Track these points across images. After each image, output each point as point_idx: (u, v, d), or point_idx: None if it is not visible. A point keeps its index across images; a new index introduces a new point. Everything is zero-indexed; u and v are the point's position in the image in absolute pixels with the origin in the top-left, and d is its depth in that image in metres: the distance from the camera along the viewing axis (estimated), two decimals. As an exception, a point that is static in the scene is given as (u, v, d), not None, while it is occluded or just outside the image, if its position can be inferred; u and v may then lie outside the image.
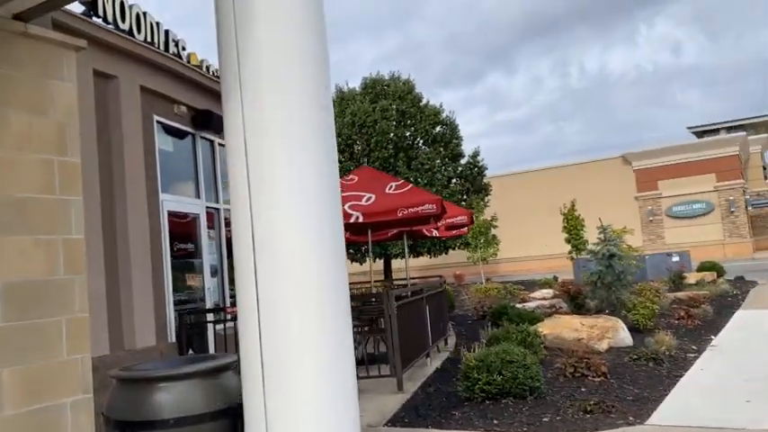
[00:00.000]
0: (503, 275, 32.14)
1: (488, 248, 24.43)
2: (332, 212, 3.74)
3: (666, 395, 5.99)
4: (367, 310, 8.72)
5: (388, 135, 27.56)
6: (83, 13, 6.75)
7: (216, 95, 8.93)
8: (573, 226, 22.64)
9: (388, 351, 7.05)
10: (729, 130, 43.66)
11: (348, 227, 7.87)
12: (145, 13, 7.90)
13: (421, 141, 29.04)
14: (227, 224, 9.21)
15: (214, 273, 8.61)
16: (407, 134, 28.60)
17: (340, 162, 23.52)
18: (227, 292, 8.94)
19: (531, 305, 13.70)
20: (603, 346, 8.31)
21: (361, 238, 11.28)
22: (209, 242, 8.53)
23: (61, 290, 5.32)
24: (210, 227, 8.66)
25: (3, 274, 4.90)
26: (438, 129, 29.25)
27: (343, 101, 28.64)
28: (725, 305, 13.21)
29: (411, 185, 9.45)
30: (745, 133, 38.89)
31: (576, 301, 12.20)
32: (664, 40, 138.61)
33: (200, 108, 8.45)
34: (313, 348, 3.51)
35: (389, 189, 8.84)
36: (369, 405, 6.12)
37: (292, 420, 3.41)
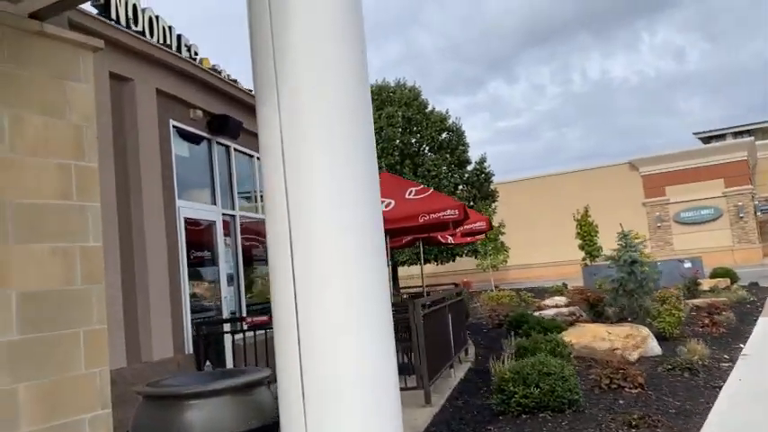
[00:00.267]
0: (511, 282, 31.84)
1: (498, 255, 24.15)
2: (374, 224, 3.49)
3: (710, 407, 5.73)
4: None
5: (395, 142, 27.37)
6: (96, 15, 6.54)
7: (232, 99, 8.73)
8: (587, 232, 22.33)
9: (414, 362, 6.80)
10: (736, 135, 43.45)
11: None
12: (157, 17, 7.69)
13: (427, 148, 28.84)
14: (243, 231, 8.98)
15: (230, 281, 8.36)
16: (413, 141, 28.40)
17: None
18: (244, 301, 8.69)
19: (547, 313, 13.41)
20: (634, 355, 8.05)
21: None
22: (225, 249, 8.28)
23: (79, 300, 5.08)
24: (227, 234, 8.41)
25: (18, 284, 4.66)
26: (444, 135, 29.06)
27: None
28: (745, 312, 12.99)
29: (432, 190, 9.20)
30: (753, 138, 38.66)
31: (595, 309, 11.93)
32: (665, 46, 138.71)
33: (215, 112, 8.22)
34: (357, 364, 3.27)
35: (409, 194, 8.60)
36: (397, 419, 5.85)
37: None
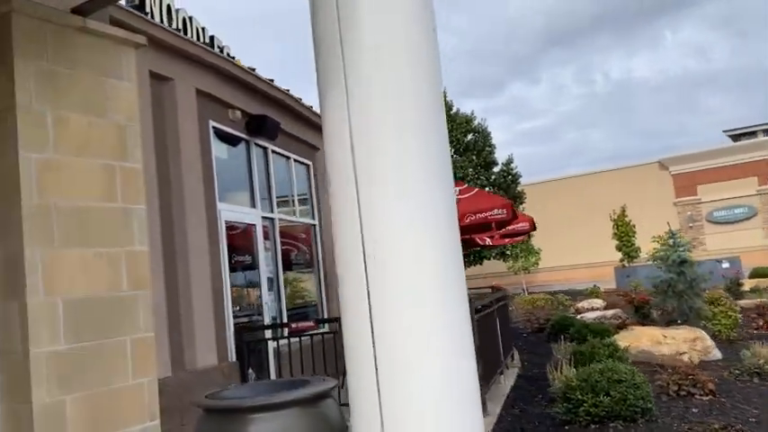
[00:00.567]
0: (540, 285, 31.30)
1: (530, 257, 23.70)
2: (450, 218, 3.20)
3: (793, 416, 5.35)
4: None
5: (421, 144, 27.05)
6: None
7: (269, 99, 8.50)
8: (624, 232, 21.76)
9: (467, 369, 6.47)
10: (767, 132, 42.44)
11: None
12: (191, 18, 7.51)
13: (453, 150, 28.48)
14: (283, 235, 8.73)
15: (271, 286, 8.12)
16: (440, 143, 28.05)
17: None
18: (284, 306, 8.44)
19: (588, 316, 13.01)
20: (695, 360, 7.65)
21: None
22: (265, 254, 8.04)
23: (125, 307, 4.85)
24: (266, 238, 8.17)
25: (63, 290, 4.44)
26: (470, 137, 28.71)
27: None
28: (796, 313, 12.45)
29: (477, 189, 8.88)
30: (786, 134, 37.76)
31: (641, 312, 11.52)
32: (689, 44, 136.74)
33: (254, 113, 7.99)
34: (439, 379, 2.97)
35: (454, 194, 8.28)
36: (455, 430, 5.54)
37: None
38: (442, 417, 2.95)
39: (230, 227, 7.32)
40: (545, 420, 5.82)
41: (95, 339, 4.59)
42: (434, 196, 3.32)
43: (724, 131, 46.24)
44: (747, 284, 18.45)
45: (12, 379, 4.23)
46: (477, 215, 7.75)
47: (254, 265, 7.83)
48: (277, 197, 8.86)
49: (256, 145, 8.25)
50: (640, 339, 8.28)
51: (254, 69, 8.10)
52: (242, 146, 8.05)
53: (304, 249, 9.82)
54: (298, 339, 7.16)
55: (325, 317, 9.68)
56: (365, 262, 3.20)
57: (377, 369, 3.08)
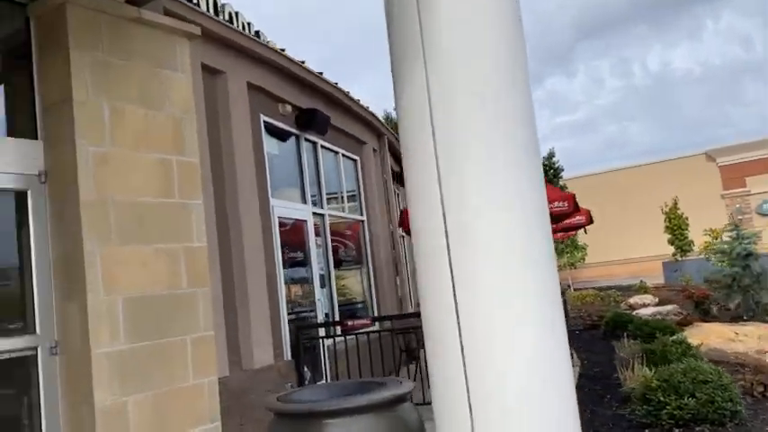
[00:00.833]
0: (585, 281, 30.61)
1: (576, 253, 23.18)
2: (541, 205, 2.93)
3: None
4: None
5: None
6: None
7: (318, 93, 8.31)
8: (677, 225, 21.04)
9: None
10: (819, 120, 40.89)
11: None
12: (237, 13, 7.36)
13: (494, 144, 28.06)
14: (333, 231, 8.54)
15: (323, 283, 7.93)
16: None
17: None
18: (336, 303, 8.25)
19: (643, 312, 12.55)
20: (770, 357, 7.23)
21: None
22: (316, 250, 7.86)
23: (185, 305, 4.70)
24: (317, 234, 7.99)
25: (123, 288, 4.30)
26: (511, 131, 28.21)
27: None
28: None
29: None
30: (840, 122, 36.25)
31: (701, 307, 11.04)
32: (730, 33, 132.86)
33: (303, 107, 7.81)
34: (537, 387, 2.70)
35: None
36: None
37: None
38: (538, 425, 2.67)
39: (281, 223, 7.15)
40: (620, 422, 5.50)
41: (155, 339, 4.45)
42: (522, 175, 3.04)
43: (773, 121, 44.72)
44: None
45: (73, 378, 4.11)
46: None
47: (305, 262, 7.65)
48: (326, 193, 8.69)
49: (306, 140, 8.07)
50: (709, 337, 7.87)
51: (303, 62, 7.92)
52: (292, 140, 7.88)
53: (352, 246, 9.63)
54: (353, 337, 6.97)
55: (376, 314, 9.48)
56: (449, 248, 2.91)
57: (464, 363, 2.82)
